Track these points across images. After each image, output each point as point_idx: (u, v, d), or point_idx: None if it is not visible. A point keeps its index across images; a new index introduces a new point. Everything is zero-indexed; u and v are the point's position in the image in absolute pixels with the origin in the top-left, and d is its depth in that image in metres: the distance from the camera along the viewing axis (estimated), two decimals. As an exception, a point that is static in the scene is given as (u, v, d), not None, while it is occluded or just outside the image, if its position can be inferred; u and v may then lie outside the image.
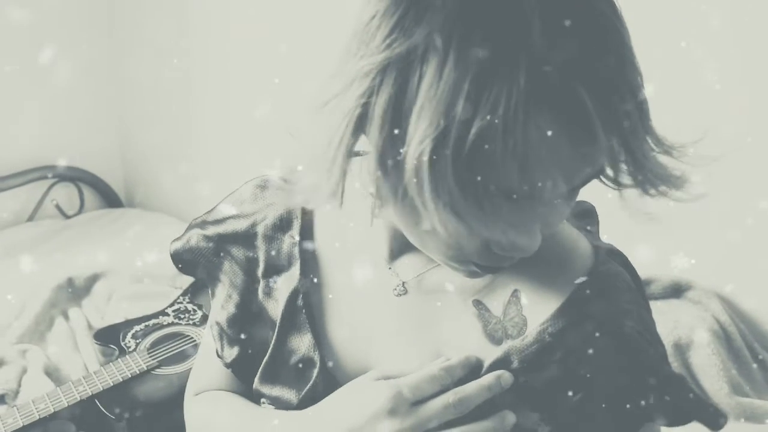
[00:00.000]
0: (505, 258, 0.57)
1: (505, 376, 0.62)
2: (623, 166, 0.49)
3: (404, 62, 0.47)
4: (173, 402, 1.25)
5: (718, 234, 1.39)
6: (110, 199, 2.35)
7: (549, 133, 0.45)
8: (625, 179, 0.50)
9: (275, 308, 0.72)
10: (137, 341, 1.44)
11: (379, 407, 0.61)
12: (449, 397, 0.61)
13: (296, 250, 0.72)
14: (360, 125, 0.51)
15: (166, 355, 1.39)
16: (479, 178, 0.47)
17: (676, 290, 1.44)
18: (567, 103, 0.45)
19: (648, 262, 1.17)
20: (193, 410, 0.81)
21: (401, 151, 0.48)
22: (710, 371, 1.27)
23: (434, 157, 0.46)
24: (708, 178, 0.52)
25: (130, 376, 1.31)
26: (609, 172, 0.50)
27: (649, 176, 0.50)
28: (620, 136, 0.47)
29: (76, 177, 2.25)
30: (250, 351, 0.74)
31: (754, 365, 1.35)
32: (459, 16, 0.46)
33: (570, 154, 0.47)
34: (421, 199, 0.49)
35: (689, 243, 1.36)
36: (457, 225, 0.49)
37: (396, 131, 0.48)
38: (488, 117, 0.44)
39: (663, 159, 0.51)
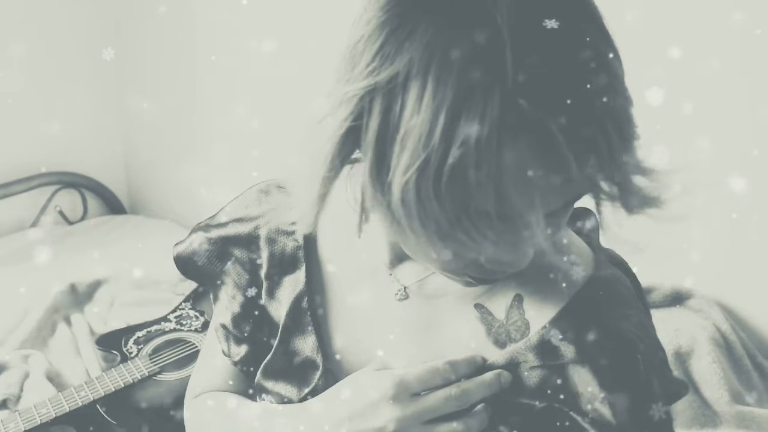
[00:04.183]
0: (497, 271, 0.57)
1: (505, 374, 0.63)
2: (604, 189, 0.50)
3: (387, 89, 0.48)
4: (175, 408, 1.25)
5: (719, 243, 1.39)
6: (113, 205, 2.36)
7: (522, 163, 0.46)
8: (606, 199, 0.51)
9: (278, 309, 0.73)
10: (139, 347, 1.45)
11: (382, 394, 0.62)
12: (452, 389, 0.62)
13: (301, 254, 0.73)
14: (347, 147, 0.52)
15: (167, 361, 1.39)
16: (460, 205, 0.47)
17: (677, 298, 1.44)
18: (539, 136, 0.45)
19: (648, 270, 1.18)
20: (192, 411, 0.82)
21: (387, 178, 0.49)
22: (711, 379, 1.27)
23: (419, 186, 0.47)
24: (686, 202, 0.52)
25: (131, 381, 1.31)
26: (590, 196, 0.51)
27: (629, 198, 0.50)
28: (598, 165, 0.47)
29: (79, 183, 2.26)
30: (256, 348, 0.74)
31: (755, 374, 1.35)
32: (437, 45, 0.46)
33: (545, 183, 0.47)
34: (409, 225, 0.50)
35: (690, 250, 1.36)
36: (444, 248, 0.50)
37: (383, 159, 0.49)
38: (463, 147, 0.45)
39: (640, 181, 0.51)
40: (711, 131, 1.28)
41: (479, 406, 0.64)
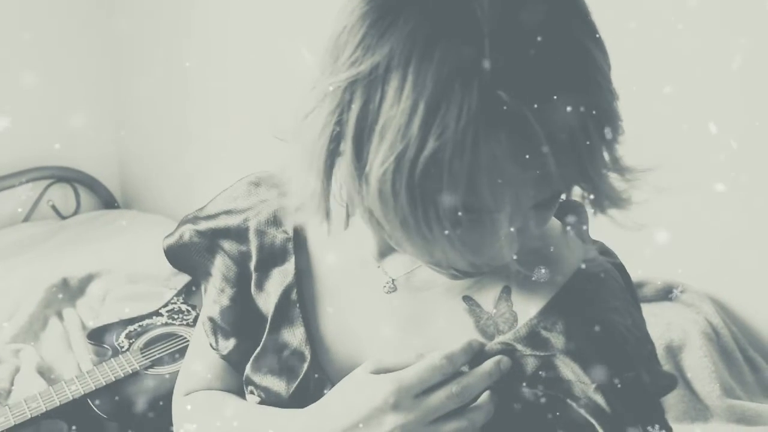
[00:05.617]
0: (482, 265, 0.57)
1: (505, 360, 0.62)
2: (576, 187, 0.50)
3: (368, 80, 0.48)
4: (165, 402, 1.25)
5: (710, 238, 1.39)
6: (106, 200, 2.36)
7: (499, 156, 0.46)
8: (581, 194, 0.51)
9: (267, 301, 0.73)
10: (130, 341, 1.44)
11: (383, 401, 0.61)
12: (452, 387, 0.61)
13: (290, 246, 0.73)
14: (335, 140, 0.52)
15: (158, 355, 1.39)
16: (430, 199, 0.47)
17: (669, 293, 1.44)
18: (517, 128, 0.45)
19: (641, 263, 1.18)
20: (185, 410, 0.81)
21: (366, 170, 0.49)
22: (702, 374, 1.28)
23: (394, 178, 0.47)
24: (646, 206, 0.52)
25: (122, 375, 1.31)
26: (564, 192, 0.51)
27: (601, 197, 0.50)
28: (577, 161, 0.47)
29: (72, 178, 2.26)
30: (244, 342, 0.74)
31: (746, 367, 1.35)
32: (417, 36, 0.46)
33: (520, 178, 0.47)
34: (385, 217, 0.50)
35: (682, 245, 1.36)
36: (414, 244, 0.50)
37: (362, 150, 0.49)
38: (439, 139, 0.45)
39: (613, 179, 0.51)
40: (703, 124, 1.29)
41: (484, 396, 0.63)
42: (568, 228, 0.69)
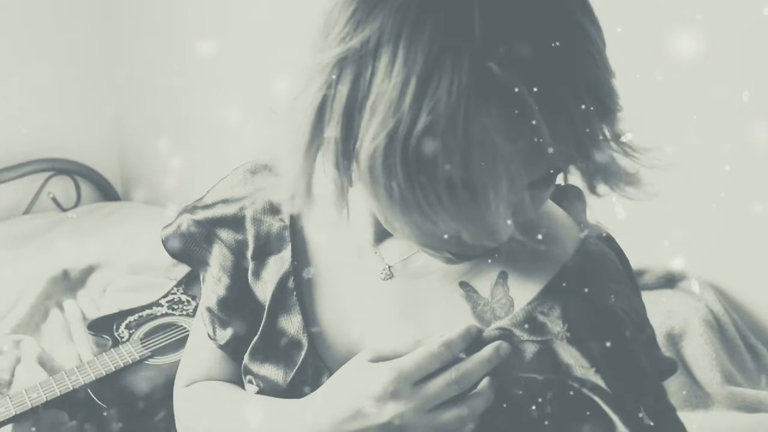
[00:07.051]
0: (477, 247, 0.56)
1: (504, 346, 0.62)
2: (576, 163, 0.49)
3: (358, 56, 0.48)
4: (165, 392, 1.25)
5: (711, 225, 1.39)
6: (107, 192, 2.35)
7: (492, 130, 0.45)
8: (576, 174, 0.50)
9: (264, 290, 0.72)
10: (130, 332, 1.44)
11: (382, 390, 0.61)
12: (451, 374, 0.61)
13: (287, 233, 0.72)
14: (321, 118, 0.51)
15: (158, 346, 1.39)
16: (426, 176, 0.47)
17: (670, 280, 1.44)
18: (508, 101, 0.45)
19: (641, 251, 1.17)
20: (186, 402, 0.81)
21: (356, 147, 0.48)
22: (703, 361, 1.27)
23: (386, 153, 0.46)
24: (661, 179, 0.52)
25: (122, 366, 1.31)
26: (562, 168, 0.51)
27: (605, 174, 0.50)
28: (572, 135, 0.47)
29: (72, 170, 2.25)
30: (242, 331, 0.74)
31: (747, 355, 1.35)
32: (408, 10, 0.46)
33: (513, 152, 0.47)
34: (376, 195, 0.49)
35: (683, 234, 1.36)
36: (410, 220, 0.50)
37: (351, 127, 0.49)
38: (431, 113, 0.44)
39: (620, 158, 0.51)
40: (700, 111, 1.28)
41: (484, 383, 0.62)
42: (566, 211, 0.69)
